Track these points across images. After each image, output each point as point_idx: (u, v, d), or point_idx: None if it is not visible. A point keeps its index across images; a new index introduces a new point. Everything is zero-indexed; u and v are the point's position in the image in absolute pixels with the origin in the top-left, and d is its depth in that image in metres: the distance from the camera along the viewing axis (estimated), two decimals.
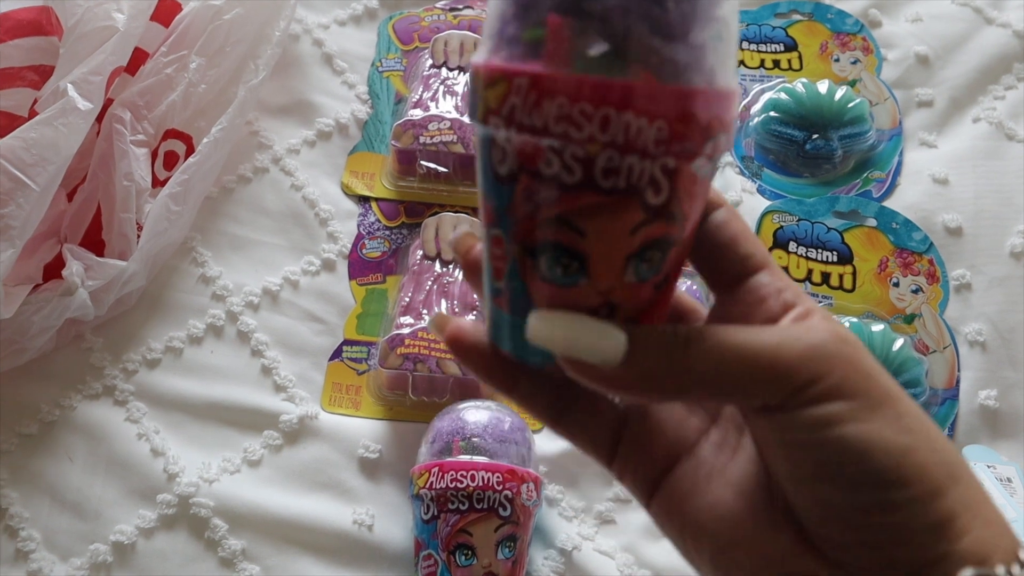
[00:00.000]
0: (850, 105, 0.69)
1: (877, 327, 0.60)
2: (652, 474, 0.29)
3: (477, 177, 0.27)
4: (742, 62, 0.74)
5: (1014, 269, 0.64)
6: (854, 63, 0.74)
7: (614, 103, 0.23)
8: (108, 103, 0.63)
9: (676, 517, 0.28)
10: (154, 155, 0.64)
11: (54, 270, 0.59)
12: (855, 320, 0.61)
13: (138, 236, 0.61)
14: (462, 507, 0.51)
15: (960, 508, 0.25)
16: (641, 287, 0.26)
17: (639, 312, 0.27)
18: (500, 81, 0.24)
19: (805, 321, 0.27)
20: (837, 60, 0.74)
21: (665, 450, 0.29)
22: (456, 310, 0.60)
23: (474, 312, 0.60)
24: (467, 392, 0.58)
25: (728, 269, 0.28)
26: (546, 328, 0.26)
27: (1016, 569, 0.25)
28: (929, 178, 0.68)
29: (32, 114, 0.58)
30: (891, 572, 0.26)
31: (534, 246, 0.26)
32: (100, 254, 0.60)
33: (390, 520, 0.56)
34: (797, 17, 0.76)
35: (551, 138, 0.24)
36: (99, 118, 0.63)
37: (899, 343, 0.59)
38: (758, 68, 0.74)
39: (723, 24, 0.25)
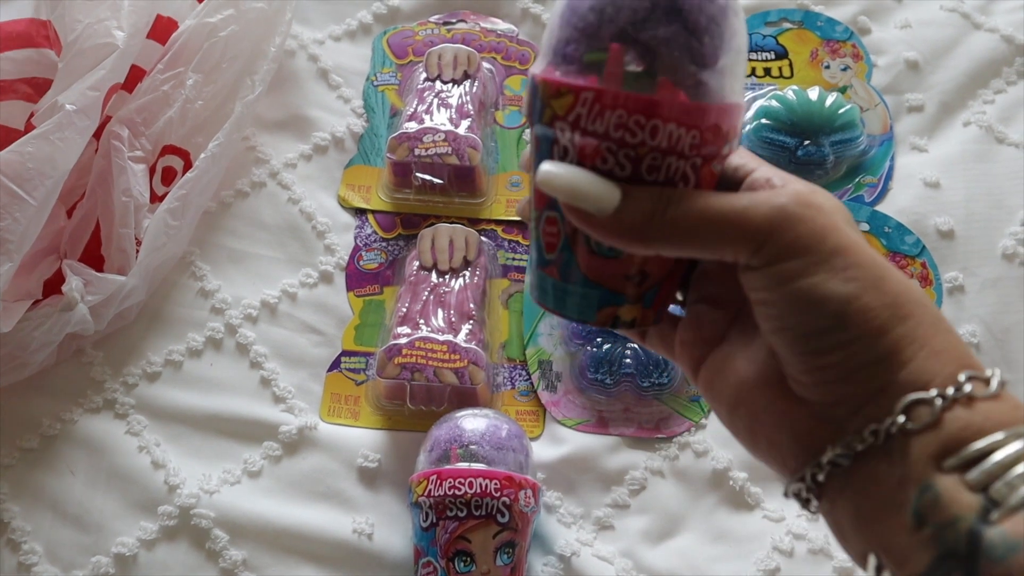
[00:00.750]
0: (841, 111, 0.69)
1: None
2: (697, 355, 0.35)
3: (533, 164, 0.32)
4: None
5: (1006, 271, 0.64)
6: (844, 70, 0.74)
7: (661, 116, 0.30)
8: (106, 120, 0.64)
9: (710, 390, 0.34)
10: (152, 171, 0.65)
11: (54, 286, 0.60)
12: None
13: (137, 251, 0.61)
14: (460, 514, 0.51)
15: (905, 342, 0.28)
16: (667, 258, 0.32)
17: (662, 278, 0.33)
18: (567, 93, 0.30)
19: (777, 188, 0.31)
20: (827, 67, 0.75)
21: (703, 338, 0.35)
22: (453, 319, 0.61)
23: (470, 321, 0.61)
24: (465, 400, 0.59)
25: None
26: (554, 177, 0.31)
27: (950, 391, 0.28)
28: (920, 182, 0.68)
29: (29, 127, 0.59)
30: (845, 405, 0.29)
31: None
32: (99, 269, 0.61)
33: (390, 529, 0.56)
34: (787, 25, 0.77)
35: (609, 141, 0.30)
36: (97, 135, 0.63)
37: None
38: (749, 76, 0.74)
39: (739, 51, 0.31)
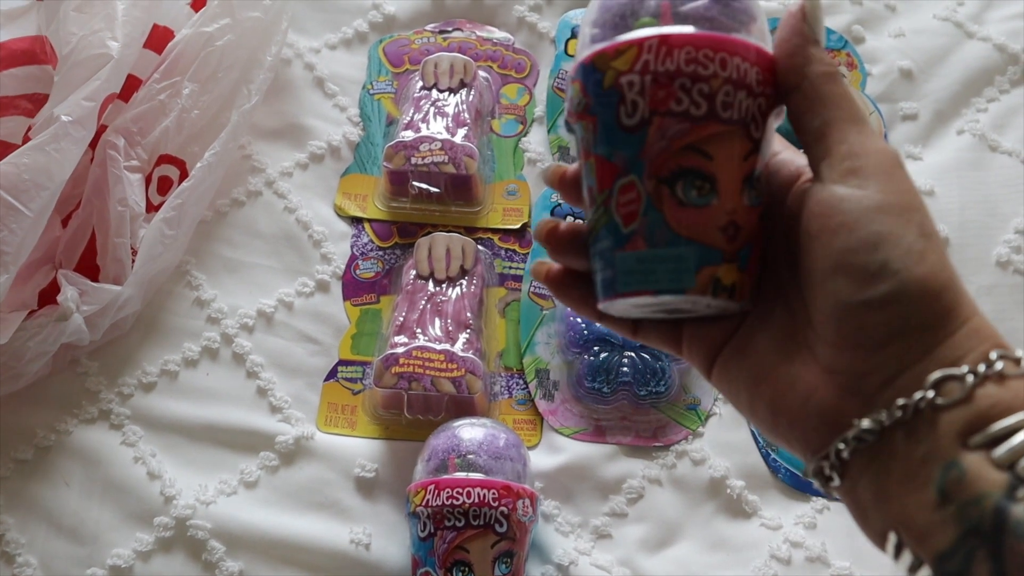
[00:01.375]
0: None
1: None
2: (713, 348, 0.34)
3: (587, 151, 0.32)
4: None
5: (1001, 278, 0.65)
6: None
7: (727, 50, 0.31)
8: (102, 130, 0.64)
9: (726, 372, 0.33)
10: (148, 180, 0.65)
11: (49, 296, 0.60)
12: None
13: (133, 261, 0.61)
14: (458, 524, 0.51)
15: (954, 313, 0.28)
16: (752, 212, 0.32)
17: (752, 237, 0.32)
18: (629, 48, 0.31)
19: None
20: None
21: (718, 334, 0.34)
22: (450, 328, 0.61)
23: (467, 330, 0.61)
24: (462, 410, 0.59)
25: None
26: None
27: (981, 368, 0.28)
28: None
29: (26, 141, 0.59)
30: (877, 375, 0.29)
31: (671, 175, 0.31)
32: (95, 279, 0.61)
33: (387, 539, 0.56)
34: None
35: (683, 78, 0.30)
36: (93, 145, 0.63)
37: None
38: None
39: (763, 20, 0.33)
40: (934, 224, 0.29)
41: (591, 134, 0.32)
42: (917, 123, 0.72)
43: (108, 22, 0.63)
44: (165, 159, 0.66)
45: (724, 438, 0.59)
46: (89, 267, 0.62)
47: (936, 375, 0.28)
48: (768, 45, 0.32)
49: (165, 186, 0.65)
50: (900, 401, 0.28)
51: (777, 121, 0.33)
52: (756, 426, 0.33)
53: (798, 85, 0.31)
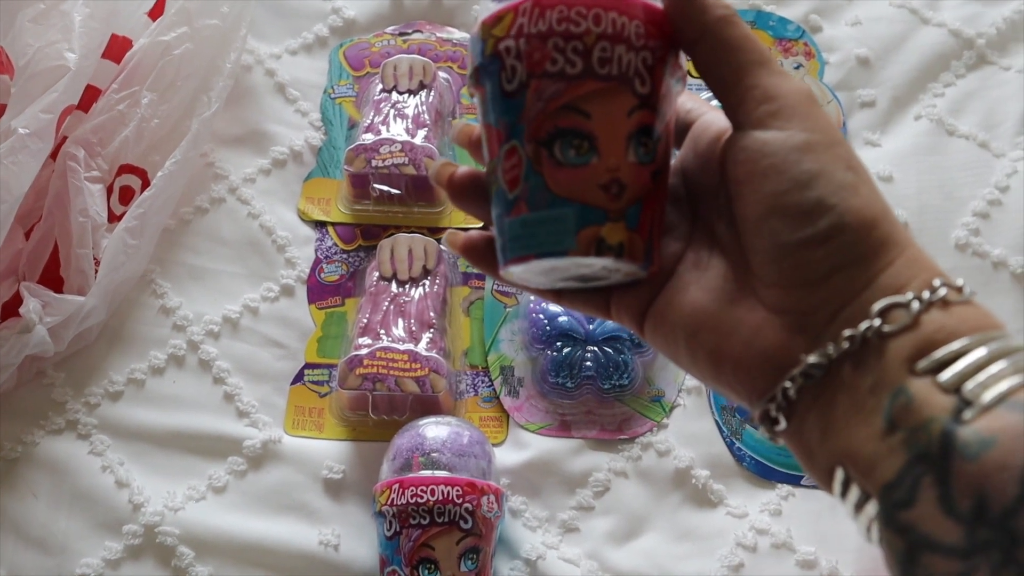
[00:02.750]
0: None
1: None
2: (640, 306, 0.33)
3: (481, 120, 0.32)
4: (688, 72, 0.75)
5: (960, 260, 0.65)
6: (797, 67, 0.75)
7: (601, 5, 0.30)
8: (62, 141, 0.64)
9: (660, 327, 0.32)
10: (109, 190, 0.65)
11: (12, 308, 0.60)
12: None
13: (96, 271, 0.61)
14: (423, 522, 0.51)
15: (890, 243, 0.29)
16: (642, 170, 0.31)
17: (642, 195, 0.31)
18: (507, 14, 0.31)
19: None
20: (780, 65, 0.75)
21: (643, 292, 0.33)
22: (413, 329, 0.61)
23: (431, 329, 0.61)
24: (427, 409, 0.59)
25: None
26: None
27: (925, 295, 0.28)
28: (874, 175, 0.68)
29: None
30: (822, 311, 0.29)
31: (548, 137, 0.31)
32: (59, 290, 0.61)
33: (356, 539, 0.56)
34: None
35: (555, 37, 0.30)
36: (53, 156, 0.63)
37: None
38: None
39: None
40: (858, 157, 0.30)
41: (482, 104, 0.32)
42: (875, 110, 0.73)
43: (65, 33, 0.63)
44: (126, 169, 0.66)
45: (689, 429, 0.60)
46: (52, 279, 0.62)
47: (882, 303, 0.28)
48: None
49: (127, 196, 0.66)
50: (847, 332, 0.28)
51: (679, 87, 0.32)
52: (698, 377, 0.32)
53: (699, 36, 0.31)
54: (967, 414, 0.25)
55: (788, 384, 0.29)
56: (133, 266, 0.64)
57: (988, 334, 0.27)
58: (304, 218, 0.68)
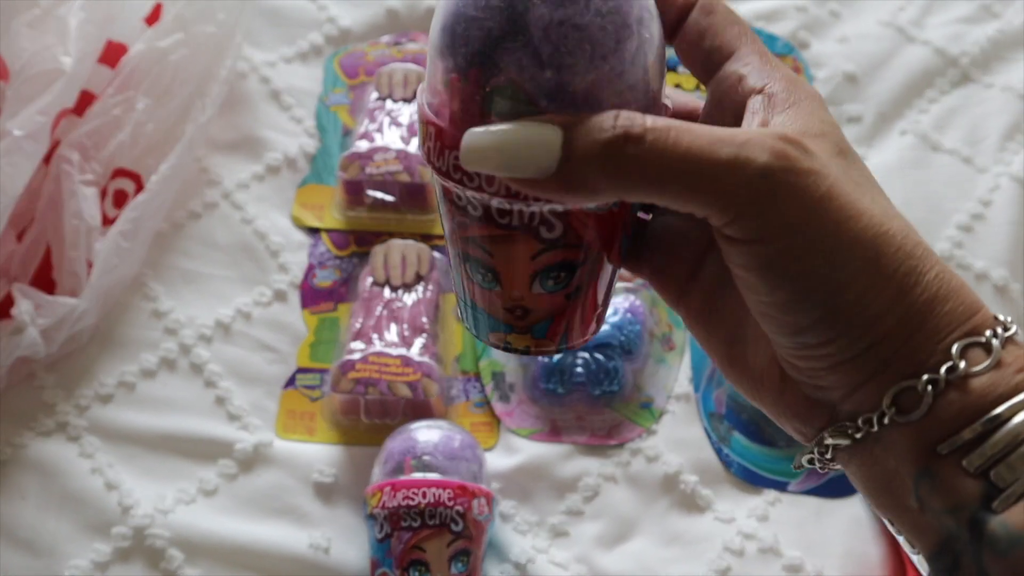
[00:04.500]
0: None
1: None
2: (678, 285, 0.31)
3: (439, 204, 0.31)
4: (679, 85, 0.77)
5: None
6: None
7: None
8: (56, 144, 0.64)
9: (699, 320, 0.31)
10: (103, 194, 0.65)
11: (3, 310, 0.60)
12: None
13: (89, 274, 0.61)
14: (414, 524, 0.52)
15: (900, 326, 0.26)
16: (551, 296, 0.30)
17: (553, 313, 0.30)
18: (424, 125, 0.28)
19: (757, 130, 0.26)
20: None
21: (683, 263, 0.31)
22: (406, 334, 0.61)
23: (424, 335, 0.61)
24: (419, 413, 0.59)
25: (702, 67, 0.30)
26: (477, 151, 0.25)
27: (942, 372, 0.26)
28: None
29: None
30: (838, 390, 0.27)
31: (462, 255, 0.30)
32: (51, 293, 0.61)
33: (346, 543, 0.56)
34: None
35: (452, 183, 0.28)
36: (47, 160, 0.63)
37: None
38: (694, 91, 0.76)
39: (615, 65, 0.26)
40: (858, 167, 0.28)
41: (439, 194, 0.31)
42: (862, 125, 0.74)
43: (61, 37, 0.64)
44: (120, 173, 0.66)
45: (677, 435, 0.61)
46: (45, 281, 0.62)
47: (894, 389, 0.26)
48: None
49: (121, 199, 0.66)
50: (864, 416, 0.27)
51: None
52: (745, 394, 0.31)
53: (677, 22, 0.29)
54: (996, 503, 0.24)
55: (820, 447, 0.28)
56: (126, 269, 0.64)
57: (1017, 402, 0.25)
58: (298, 224, 0.69)
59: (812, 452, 0.28)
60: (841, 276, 0.26)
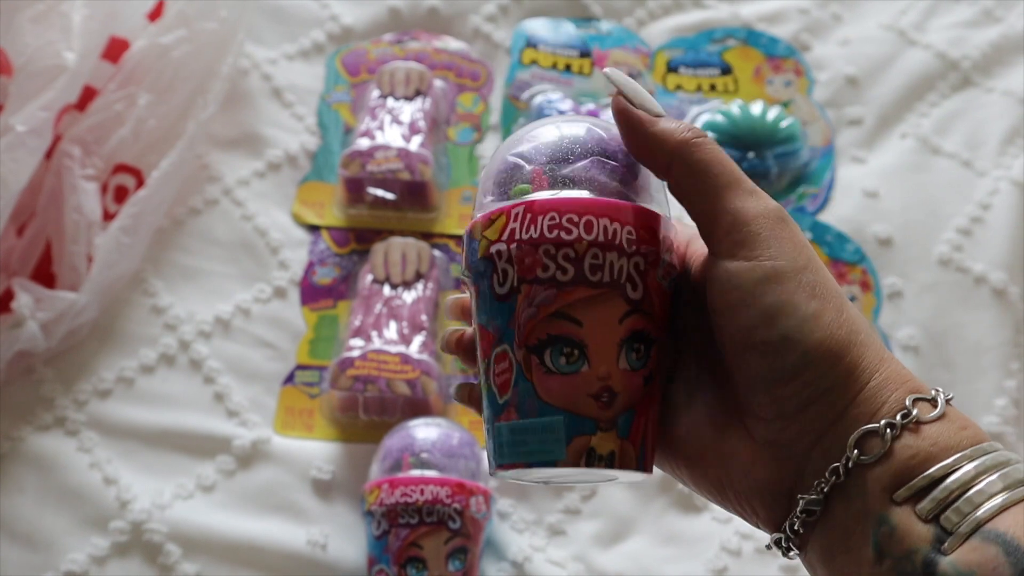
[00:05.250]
0: (782, 124, 0.71)
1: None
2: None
3: (474, 319, 0.32)
4: (680, 86, 0.77)
5: (943, 276, 0.67)
6: (787, 85, 0.77)
7: (592, 212, 0.30)
8: (58, 139, 0.64)
9: (662, 462, 0.32)
10: (104, 189, 0.65)
11: (4, 304, 0.60)
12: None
13: (89, 269, 0.61)
14: (412, 521, 0.52)
15: (859, 369, 0.29)
16: (634, 376, 0.30)
17: (634, 402, 0.30)
18: (499, 216, 0.30)
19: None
20: (771, 83, 0.77)
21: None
22: (405, 331, 0.62)
23: (422, 332, 0.62)
24: (418, 411, 0.60)
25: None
26: (615, 75, 0.31)
27: (898, 418, 0.28)
28: (860, 192, 0.70)
29: None
30: (804, 440, 0.29)
31: (539, 344, 0.30)
32: (51, 287, 0.61)
33: (344, 539, 0.56)
34: (732, 43, 0.79)
35: (546, 243, 0.30)
36: (49, 154, 0.64)
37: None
38: (696, 92, 0.76)
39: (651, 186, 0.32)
40: (824, 273, 0.29)
41: (474, 302, 0.32)
42: (862, 127, 0.74)
43: (64, 33, 0.64)
44: (121, 168, 0.66)
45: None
46: (45, 275, 0.62)
47: (858, 432, 0.28)
48: (653, 202, 0.31)
49: (121, 195, 0.66)
50: (832, 465, 0.28)
51: (672, 287, 0.32)
52: (710, 499, 0.32)
53: (668, 164, 0.30)
54: (946, 544, 0.26)
55: (794, 522, 0.29)
56: (126, 265, 0.64)
57: (964, 453, 0.27)
58: (298, 221, 0.69)
59: (785, 530, 0.29)
60: (813, 307, 0.29)
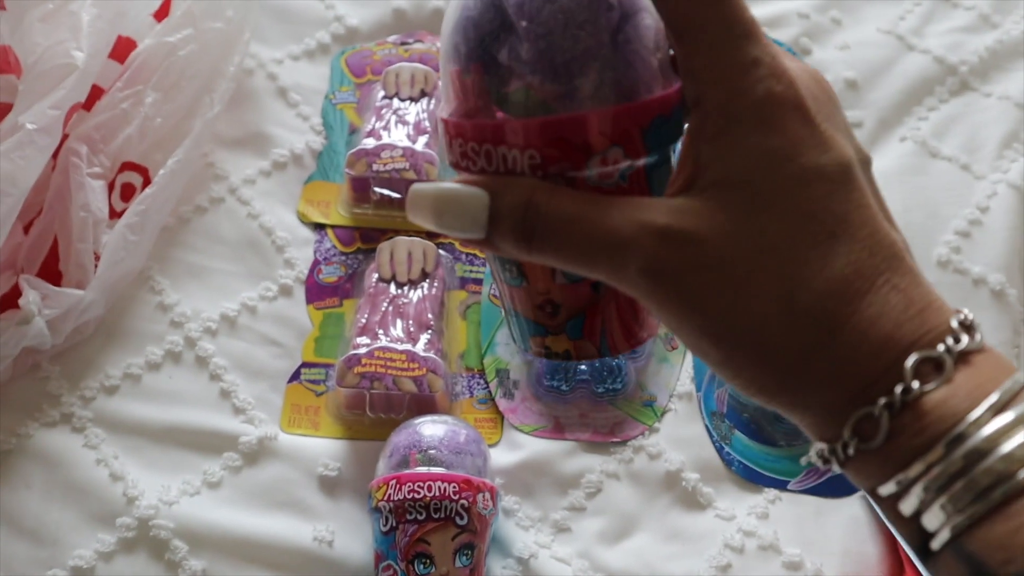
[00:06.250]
0: None
1: None
2: None
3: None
4: None
5: (942, 277, 0.67)
6: None
7: (489, 140, 0.28)
8: (64, 138, 0.64)
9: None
10: (111, 187, 0.65)
11: (10, 300, 0.60)
12: None
13: (95, 266, 0.62)
14: (419, 517, 0.52)
15: (796, 402, 0.27)
16: (576, 287, 0.30)
17: (582, 308, 0.30)
18: (440, 123, 0.30)
19: (635, 227, 0.27)
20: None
21: None
22: (411, 330, 0.62)
23: (428, 331, 0.62)
24: (424, 408, 0.60)
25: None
26: (416, 208, 0.28)
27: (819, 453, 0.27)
28: None
29: None
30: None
31: (493, 255, 0.32)
32: (58, 284, 0.61)
33: (350, 536, 0.57)
34: None
35: (468, 170, 0.29)
36: (55, 153, 0.64)
37: None
38: None
39: (594, 51, 0.28)
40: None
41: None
42: (862, 131, 0.75)
43: (73, 32, 0.64)
44: (128, 166, 0.66)
45: (679, 433, 0.61)
46: (51, 272, 0.62)
47: (852, 419, 0.27)
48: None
49: (128, 193, 0.66)
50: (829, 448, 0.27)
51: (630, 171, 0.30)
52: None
53: None
54: (932, 544, 0.25)
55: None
56: (132, 262, 0.64)
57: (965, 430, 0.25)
58: (303, 220, 0.69)
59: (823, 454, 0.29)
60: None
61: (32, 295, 0.58)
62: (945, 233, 0.69)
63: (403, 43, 0.77)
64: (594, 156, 0.28)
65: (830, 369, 0.26)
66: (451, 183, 0.28)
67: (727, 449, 0.60)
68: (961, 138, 0.74)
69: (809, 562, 0.56)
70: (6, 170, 0.58)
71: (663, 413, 0.62)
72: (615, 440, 0.61)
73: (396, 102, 0.72)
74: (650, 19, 0.28)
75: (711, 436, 0.61)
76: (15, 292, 0.60)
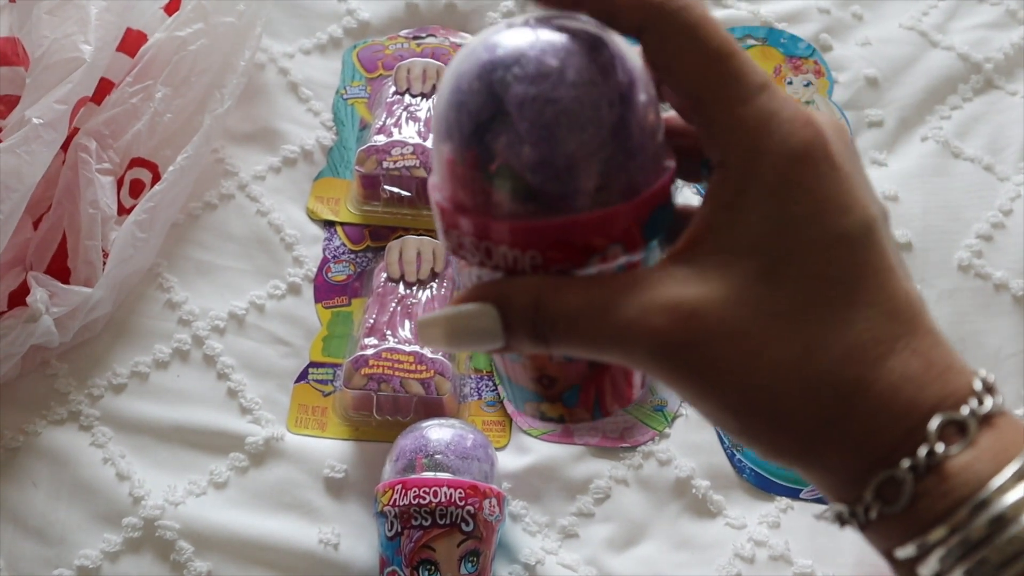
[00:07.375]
0: None
1: None
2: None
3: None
4: None
5: (962, 281, 0.66)
6: (807, 85, 0.76)
7: (491, 239, 0.27)
8: (73, 133, 0.64)
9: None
10: (120, 183, 0.65)
11: (19, 298, 0.60)
12: None
13: (104, 263, 0.61)
14: (425, 523, 0.52)
15: (809, 462, 0.27)
16: (573, 364, 0.30)
17: (578, 382, 0.31)
18: (434, 205, 0.30)
19: (641, 309, 0.26)
20: (790, 83, 0.76)
21: None
22: None
23: None
24: (431, 411, 0.59)
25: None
26: (429, 339, 0.28)
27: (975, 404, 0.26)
28: (880, 195, 0.69)
29: None
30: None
31: None
32: (66, 281, 0.61)
33: (356, 539, 0.56)
34: (751, 42, 0.78)
35: (463, 261, 0.29)
36: (64, 148, 0.63)
37: None
38: None
39: (591, 153, 0.27)
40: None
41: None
42: (883, 130, 0.73)
43: (81, 25, 0.63)
44: (137, 162, 0.66)
45: (690, 439, 0.60)
46: (60, 269, 0.62)
47: (875, 482, 0.26)
48: None
49: (137, 189, 0.66)
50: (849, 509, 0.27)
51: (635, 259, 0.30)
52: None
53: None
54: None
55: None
56: (141, 259, 0.64)
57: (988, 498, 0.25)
58: (313, 217, 0.68)
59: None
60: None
61: (40, 293, 0.58)
62: (967, 236, 0.68)
63: (415, 38, 0.76)
64: (595, 255, 0.28)
65: (852, 434, 0.26)
66: (456, 307, 0.28)
67: (738, 456, 0.59)
68: (984, 138, 0.72)
69: (820, 573, 0.56)
70: (13, 165, 0.57)
71: (674, 418, 0.61)
72: (625, 445, 0.60)
73: (407, 98, 0.71)
74: (644, 95, 0.28)
75: (722, 442, 0.60)
76: (23, 289, 0.60)
